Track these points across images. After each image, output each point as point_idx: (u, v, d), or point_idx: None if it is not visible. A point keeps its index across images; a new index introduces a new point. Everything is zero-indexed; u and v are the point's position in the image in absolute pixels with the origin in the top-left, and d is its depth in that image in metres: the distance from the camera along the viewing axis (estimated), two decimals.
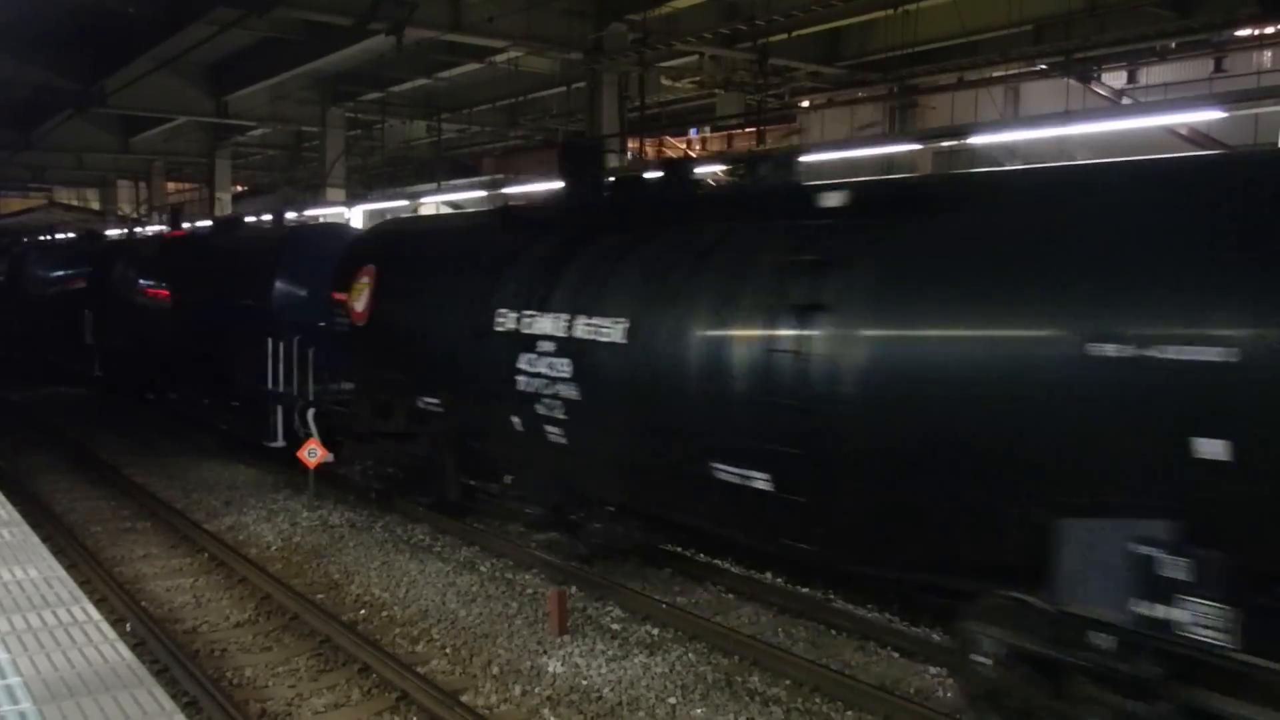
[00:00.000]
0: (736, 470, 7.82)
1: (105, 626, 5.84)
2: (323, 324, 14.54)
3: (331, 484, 14.41)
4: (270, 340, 15.19)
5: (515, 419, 10.13)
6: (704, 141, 36.10)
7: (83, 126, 29.97)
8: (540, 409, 9.67)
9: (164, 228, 33.95)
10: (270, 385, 15.20)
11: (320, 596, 10.27)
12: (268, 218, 21.76)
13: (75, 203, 52.58)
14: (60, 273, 27.69)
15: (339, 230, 18.61)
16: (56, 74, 23.39)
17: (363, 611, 9.93)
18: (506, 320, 10.16)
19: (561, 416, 9.46)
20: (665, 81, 22.53)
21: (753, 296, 7.74)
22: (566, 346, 9.30)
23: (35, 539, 7.68)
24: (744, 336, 7.72)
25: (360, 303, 12.99)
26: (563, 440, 9.63)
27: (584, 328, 9.13)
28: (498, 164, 38.40)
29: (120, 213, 45.61)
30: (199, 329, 18.37)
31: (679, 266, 8.59)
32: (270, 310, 16.10)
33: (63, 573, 6.86)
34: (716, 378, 7.86)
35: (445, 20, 18.13)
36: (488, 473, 12.09)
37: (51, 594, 6.36)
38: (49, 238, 36.38)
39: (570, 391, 9.27)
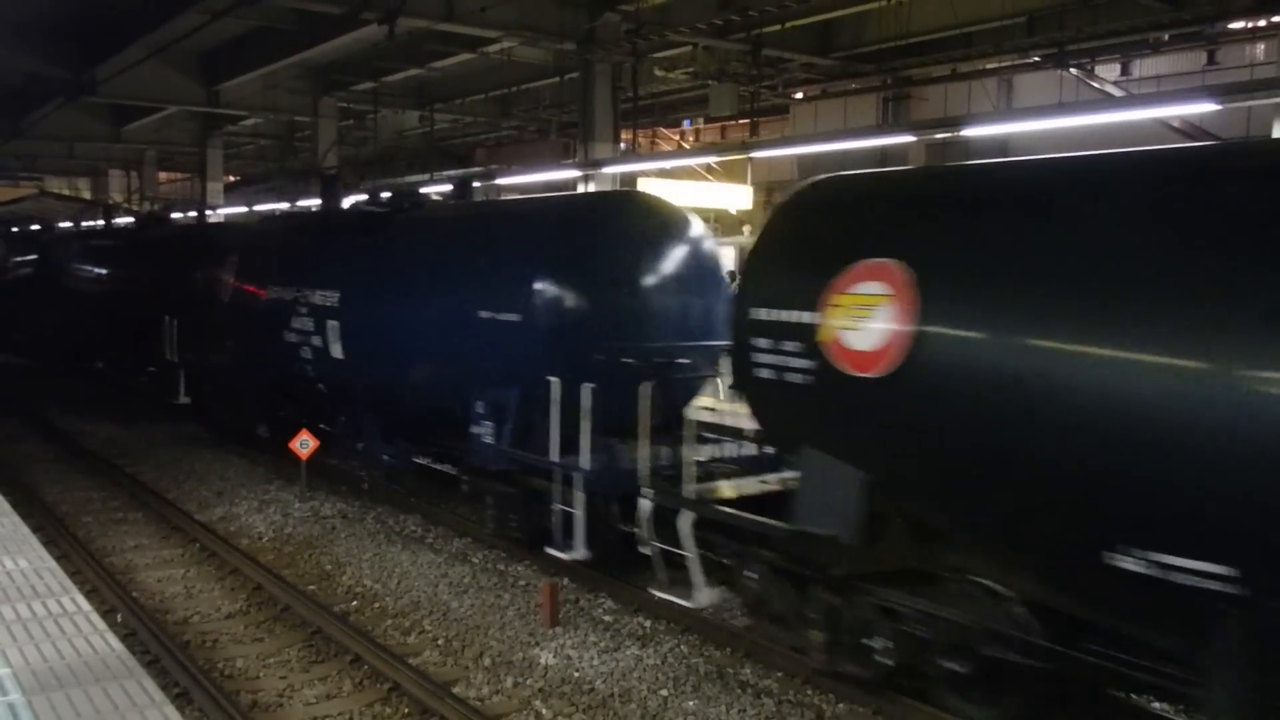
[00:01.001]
0: None
1: (95, 617, 5.83)
2: (684, 360, 10.20)
3: (323, 475, 14.39)
4: (557, 381, 9.83)
5: None
6: (697, 133, 36.07)
7: (74, 115, 29.74)
8: None
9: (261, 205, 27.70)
10: (557, 456, 9.97)
11: (312, 588, 10.26)
12: (446, 188, 16.52)
13: (67, 192, 52.36)
14: (119, 268, 22.73)
15: (637, 202, 12.09)
16: (47, 62, 23.21)
17: (354, 603, 9.92)
18: None
19: None
20: (659, 72, 22.47)
21: None
22: None
23: (25, 529, 7.68)
24: None
25: (863, 334, 6.86)
26: None
27: None
28: (490, 155, 38.39)
29: (113, 200, 45.36)
30: (389, 354, 12.54)
31: None
32: (540, 329, 10.40)
33: (53, 563, 6.85)
34: None
35: (438, 10, 18.05)
36: None
37: (42, 585, 6.34)
38: (101, 223, 31.54)
39: None
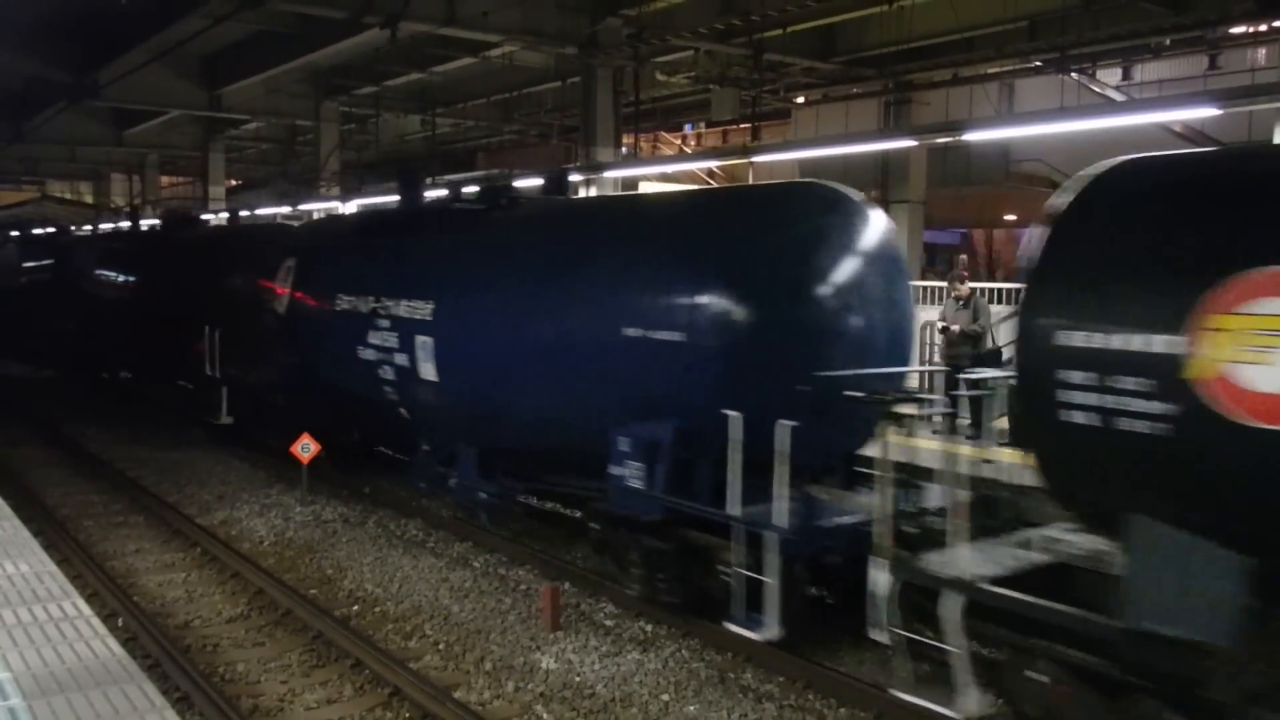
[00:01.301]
0: None
1: (96, 622, 5.83)
2: (914, 393, 8.43)
3: (324, 479, 14.37)
4: (738, 417, 7.96)
5: None
6: (699, 137, 36.09)
7: (76, 119, 29.78)
8: None
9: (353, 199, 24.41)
10: (737, 508, 8.11)
11: (313, 592, 10.26)
12: (538, 182, 14.44)
13: (68, 196, 52.41)
14: (149, 273, 21.18)
15: (820, 192, 9.31)
16: (49, 66, 23.26)
17: (355, 607, 9.91)
18: None
19: None
20: (660, 76, 22.49)
21: None
22: None
23: (26, 533, 7.68)
24: None
25: (1272, 370, 5.09)
26: None
27: None
28: (492, 158, 38.41)
29: (114, 204, 45.37)
30: (498, 377, 10.62)
31: None
32: (714, 352, 8.46)
33: (54, 567, 6.85)
34: None
35: (440, 14, 18.06)
36: None
37: (42, 589, 6.34)
38: (123, 225, 30.50)
39: None
